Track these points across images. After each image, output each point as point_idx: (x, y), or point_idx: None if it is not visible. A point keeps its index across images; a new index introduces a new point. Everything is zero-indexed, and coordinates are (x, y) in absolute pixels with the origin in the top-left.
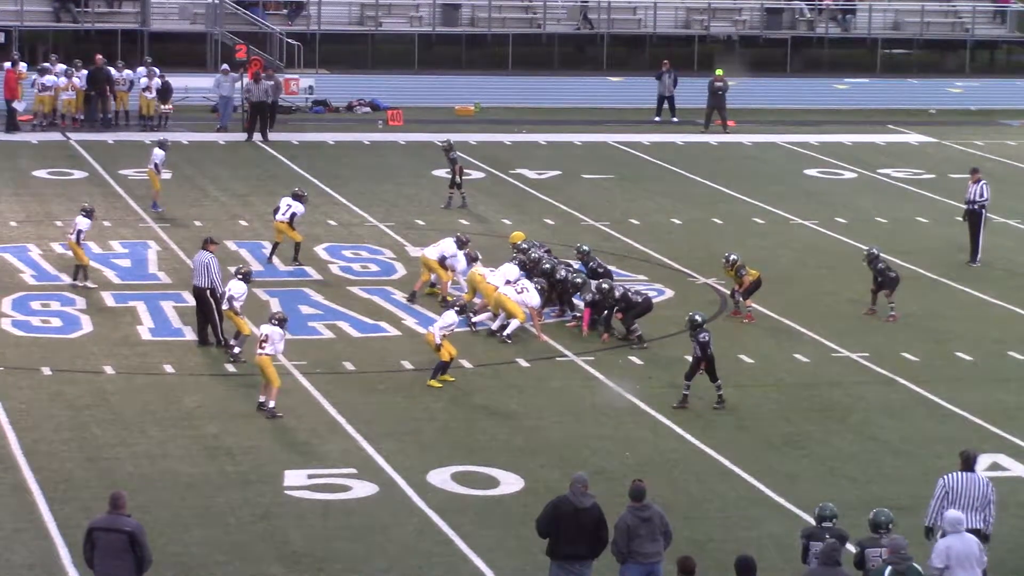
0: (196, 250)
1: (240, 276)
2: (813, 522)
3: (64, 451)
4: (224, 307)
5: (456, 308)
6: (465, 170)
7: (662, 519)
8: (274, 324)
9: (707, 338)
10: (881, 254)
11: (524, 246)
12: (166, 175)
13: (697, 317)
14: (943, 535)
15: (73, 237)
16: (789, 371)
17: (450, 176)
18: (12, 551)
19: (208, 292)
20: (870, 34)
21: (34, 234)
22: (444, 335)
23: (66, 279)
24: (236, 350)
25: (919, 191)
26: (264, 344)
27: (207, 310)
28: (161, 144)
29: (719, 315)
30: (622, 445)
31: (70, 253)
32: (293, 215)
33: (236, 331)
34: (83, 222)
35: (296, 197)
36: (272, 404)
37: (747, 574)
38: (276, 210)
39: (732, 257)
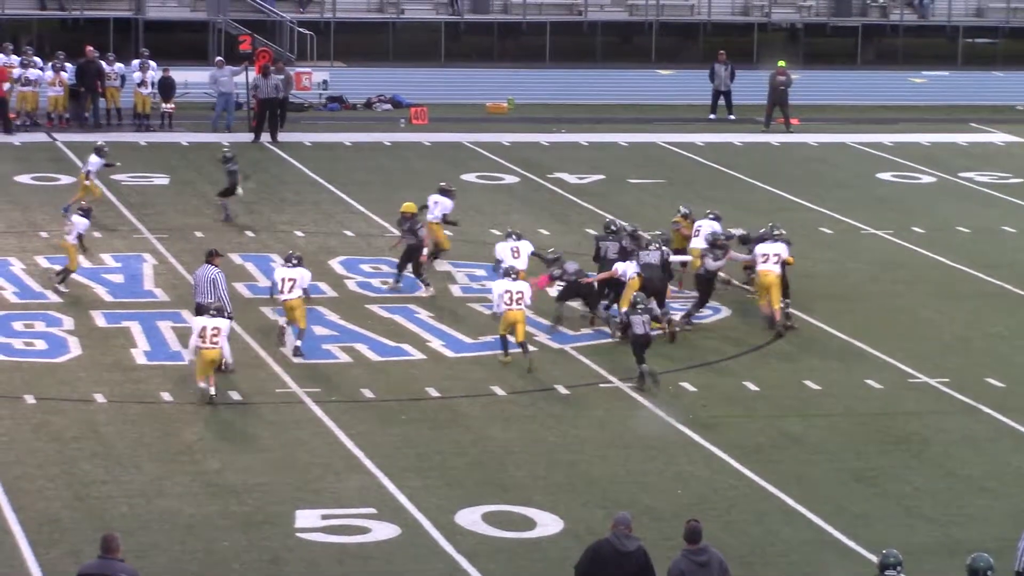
0: (197, 264)
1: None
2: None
3: (50, 489)
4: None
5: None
6: (498, 174)
7: (721, 564)
8: (292, 265)
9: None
10: None
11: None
12: (163, 179)
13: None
14: None
15: (71, 238)
16: (860, 399)
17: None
18: None
19: None
20: (950, 21)
21: (16, 247)
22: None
23: (52, 297)
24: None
25: (1005, 197)
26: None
27: None
28: (98, 150)
29: (775, 340)
30: (673, 481)
31: (57, 267)
32: (444, 214)
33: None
34: (81, 222)
35: (443, 192)
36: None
37: None
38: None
39: (683, 209)
